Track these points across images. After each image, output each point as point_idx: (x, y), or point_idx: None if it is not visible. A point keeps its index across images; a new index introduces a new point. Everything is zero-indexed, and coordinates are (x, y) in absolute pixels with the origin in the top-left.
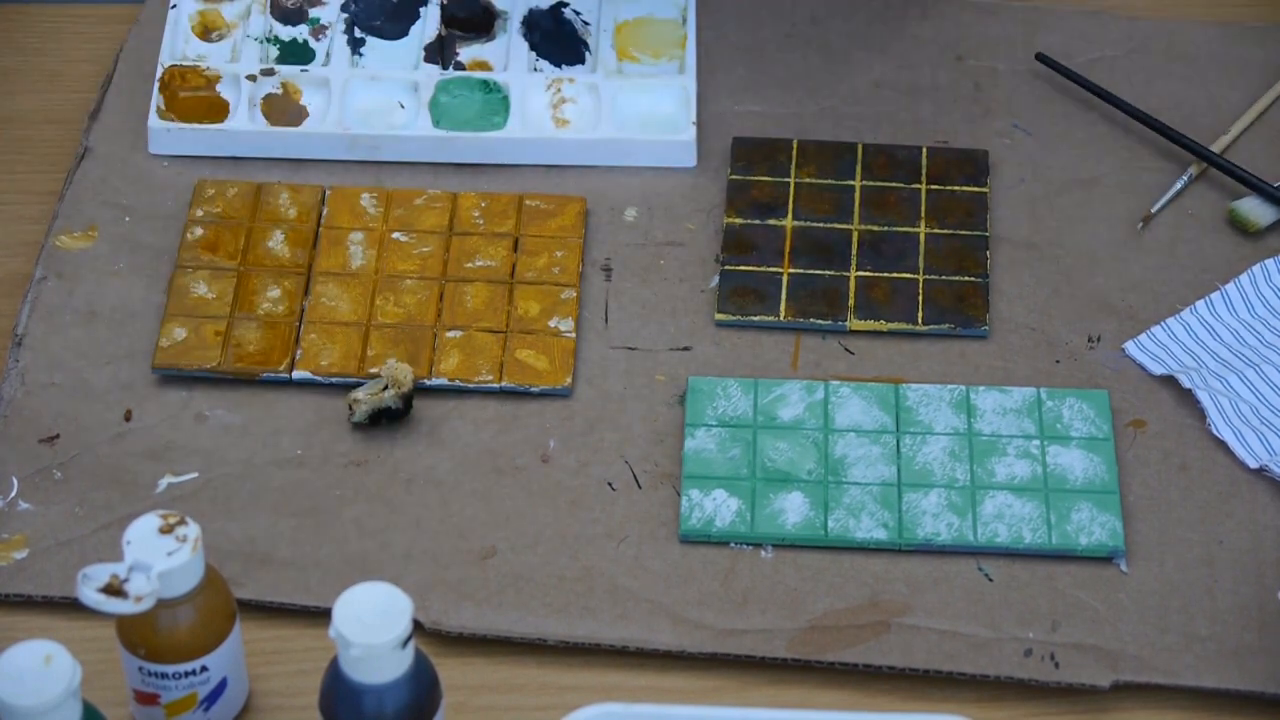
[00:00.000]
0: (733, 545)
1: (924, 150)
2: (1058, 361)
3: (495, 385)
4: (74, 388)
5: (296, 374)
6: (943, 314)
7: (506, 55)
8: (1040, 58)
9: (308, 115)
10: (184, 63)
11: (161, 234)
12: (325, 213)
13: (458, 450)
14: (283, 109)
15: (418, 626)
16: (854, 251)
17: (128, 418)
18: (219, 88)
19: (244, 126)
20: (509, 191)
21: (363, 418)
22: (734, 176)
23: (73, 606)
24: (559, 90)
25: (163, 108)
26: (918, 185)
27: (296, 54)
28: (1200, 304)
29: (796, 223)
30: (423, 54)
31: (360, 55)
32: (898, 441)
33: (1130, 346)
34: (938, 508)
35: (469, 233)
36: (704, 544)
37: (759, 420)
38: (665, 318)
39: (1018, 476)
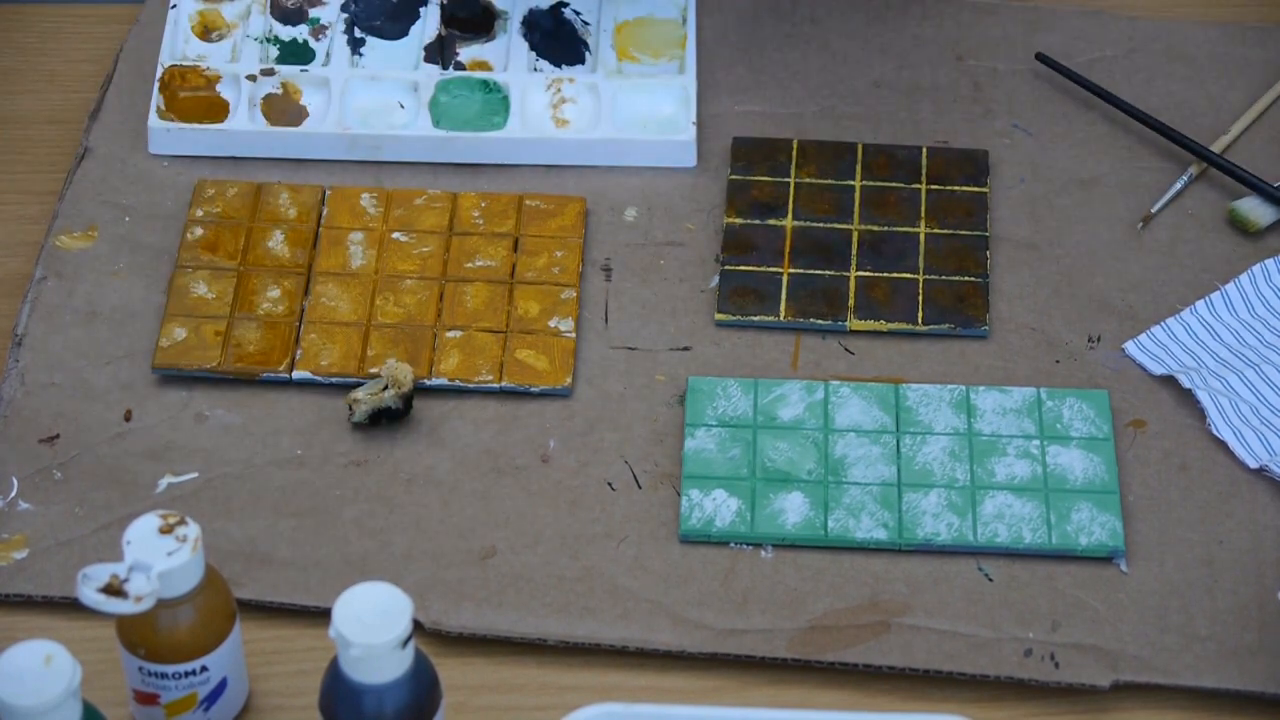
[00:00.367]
0: (733, 545)
1: (924, 150)
2: (1058, 361)
3: (495, 385)
4: (74, 388)
5: (296, 374)
6: (943, 314)
7: (506, 55)
8: (1040, 58)
9: (308, 115)
10: (184, 63)
11: (161, 234)
12: (325, 213)
13: (458, 450)
14: (283, 109)
15: (418, 626)
16: (854, 251)
17: (128, 418)
18: (219, 88)
19: (244, 126)
20: (509, 191)
21: (363, 418)
22: (734, 176)
23: (73, 606)
24: (559, 90)
25: (163, 108)
26: (918, 185)
27: (296, 54)
28: (1200, 304)
29: (796, 223)
30: (423, 54)
31: (360, 55)
32: (898, 441)
33: (1130, 346)
34: (938, 508)
35: (469, 233)
36: (704, 544)
37: (759, 420)
38: (665, 318)
39: (1018, 476)
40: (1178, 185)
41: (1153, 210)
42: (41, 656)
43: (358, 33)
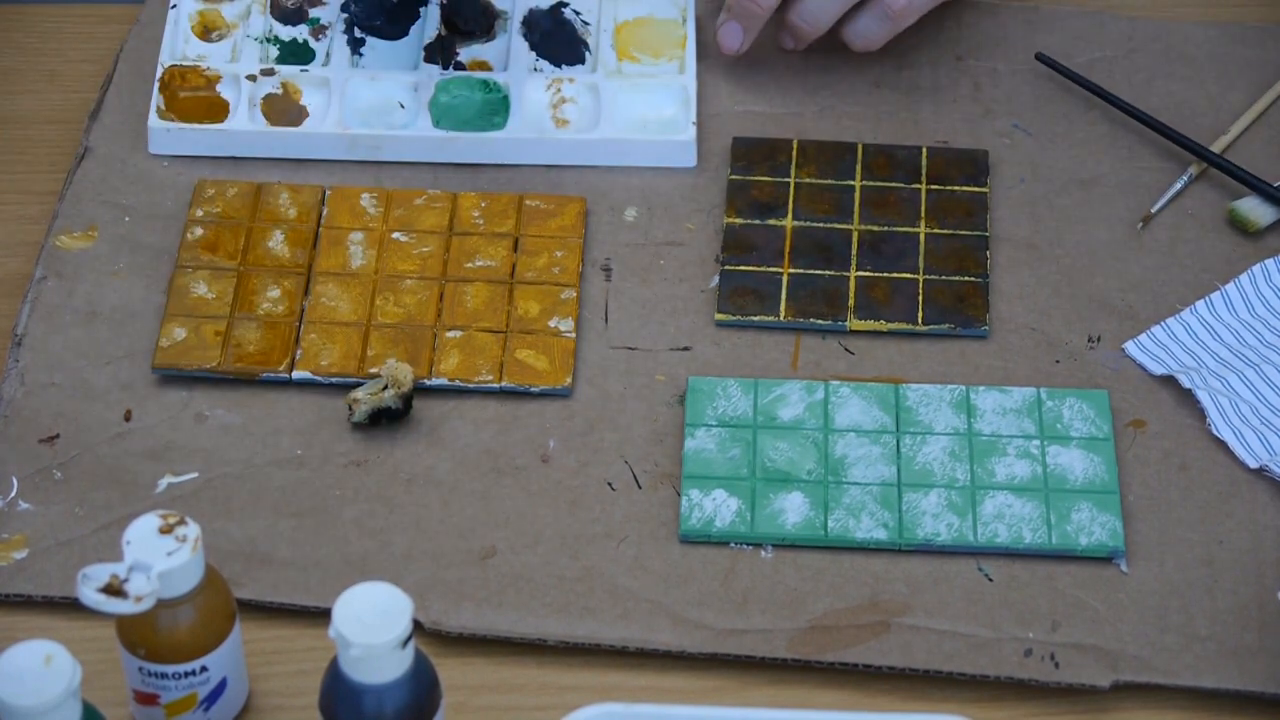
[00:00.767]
0: (733, 545)
1: (924, 150)
2: (1058, 361)
3: (495, 385)
4: (74, 388)
5: (296, 374)
6: (943, 314)
7: (506, 55)
8: (1040, 58)
9: (308, 115)
10: (184, 63)
11: (161, 234)
12: (325, 213)
13: (458, 450)
14: (283, 109)
15: (418, 626)
16: (854, 251)
17: (128, 418)
18: (219, 88)
19: (244, 126)
20: (509, 191)
21: (363, 418)
22: (734, 176)
23: (73, 606)
24: (559, 90)
25: (163, 108)
26: (918, 185)
27: (296, 54)
28: (1200, 304)
29: (796, 223)
30: (423, 54)
31: (360, 55)
32: (898, 441)
33: (1130, 346)
34: (938, 508)
35: (469, 233)
36: (704, 544)
37: (759, 420)
38: (665, 318)
39: (1018, 476)
40: (1178, 185)
41: (1153, 210)
42: (41, 656)
43: (358, 33)
